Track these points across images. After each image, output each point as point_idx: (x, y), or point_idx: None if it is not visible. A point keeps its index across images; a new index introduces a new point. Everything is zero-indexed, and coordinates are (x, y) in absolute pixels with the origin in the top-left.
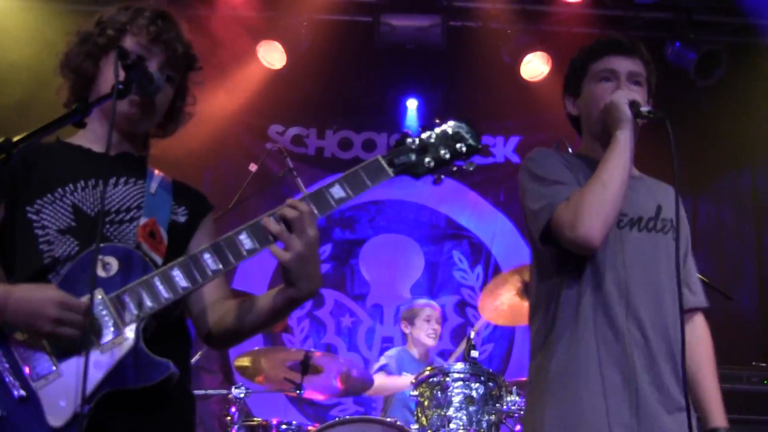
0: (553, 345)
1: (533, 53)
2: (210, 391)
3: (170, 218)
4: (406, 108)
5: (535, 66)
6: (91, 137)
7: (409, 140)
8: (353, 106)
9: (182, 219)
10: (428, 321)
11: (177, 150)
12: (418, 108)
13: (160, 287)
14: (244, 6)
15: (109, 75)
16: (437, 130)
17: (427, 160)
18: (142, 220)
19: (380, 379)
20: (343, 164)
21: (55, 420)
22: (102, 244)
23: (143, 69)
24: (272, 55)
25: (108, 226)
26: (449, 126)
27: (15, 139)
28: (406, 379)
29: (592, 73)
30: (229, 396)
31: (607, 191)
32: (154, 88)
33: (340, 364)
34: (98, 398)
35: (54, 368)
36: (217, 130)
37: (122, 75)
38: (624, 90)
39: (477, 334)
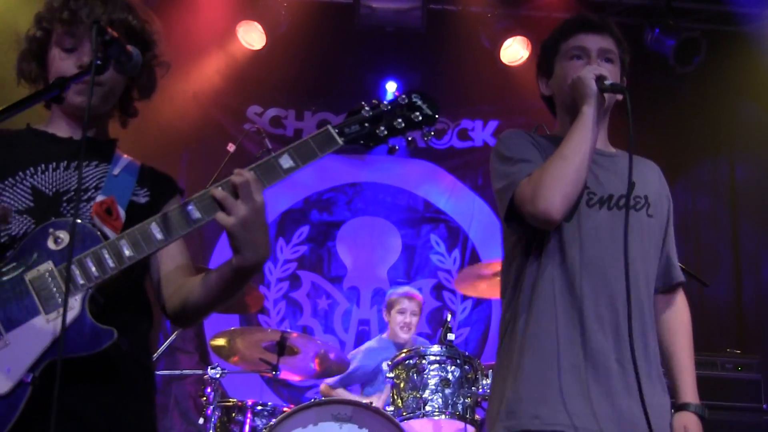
0: (516, 323)
1: (513, 38)
2: (186, 371)
3: (130, 199)
4: (385, 90)
5: (514, 50)
6: (59, 124)
7: (364, 110)
8: (332, 87)
9: (143, 200)
10: (402, 313)
11: (155, 131)
12: (398, 90)
13: (107, 257)
14: None
15: (51, 71)
16: (393, 100)
17: (380, 129)
18: (99, 198)
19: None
20: None
21: (1, 387)
22: (55, 220)
23: (121, 46)
24: (252, 36)
25: (65, 204)
26: (405, 96)
27: None
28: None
29: (563, 52)
30: (205, 377)
31: (568, 164)
32: (132, 65)
33: (316, 345)
34: (43, 366)
35: (2, 337)
36: (195, 111)
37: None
38: (593, 65)
39: (453, 317)
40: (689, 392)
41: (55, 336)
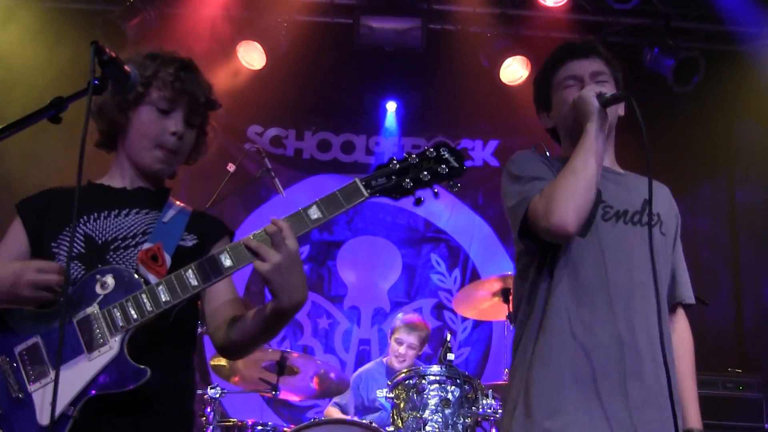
0: (530, 339)
1: (512, 57)
2: None
3: (179, 246)
4: (385, 110)
5: (514, 70)
6: (116, 175)
7: (392, 164)
8: (332, 107)
9: (190, 244)
10: (399, 343)
11: None
12: (397, 110)
13: (145, 301)
14: (224, 6)
15: (137, 125)
16: (420, 152)
17: (406, 181)
18: (146, 245)
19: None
20: (321, 165)
21: (44, 419)
22: (102, 267)
23: (119, 66)
24: (252, 56)
25: (112, 252)
26: (433, 148)
27: None
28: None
29: (557, 83)
30: (205, 396)
31: (578, 178)
32: (130, 85)
33: (316, 365)
34: (84, 402)
35: (49, 374)
36: None
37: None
38: (590, 85)
39: (453, 337)
40: (693, 418)
41: (96, 373)
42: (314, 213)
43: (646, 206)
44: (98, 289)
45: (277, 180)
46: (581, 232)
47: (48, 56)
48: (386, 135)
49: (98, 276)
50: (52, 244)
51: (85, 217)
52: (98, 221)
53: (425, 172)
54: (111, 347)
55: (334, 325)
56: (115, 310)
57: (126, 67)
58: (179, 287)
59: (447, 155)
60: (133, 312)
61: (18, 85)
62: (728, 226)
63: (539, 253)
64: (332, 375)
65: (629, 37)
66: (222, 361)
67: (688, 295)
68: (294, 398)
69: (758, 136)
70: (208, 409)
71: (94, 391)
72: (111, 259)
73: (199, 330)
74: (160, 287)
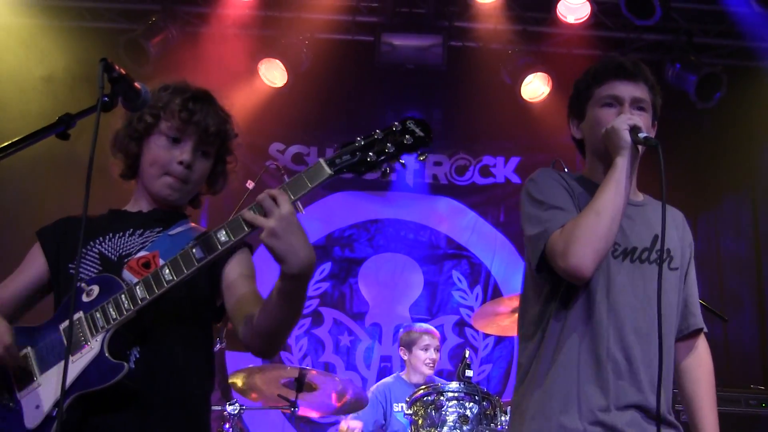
0: (538, 372)
1: (534, 74)
2: None
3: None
4: None
5: (535, 87)
6: (134, 203)
7: (357, 141)
8: (354, 124)
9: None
10: (426, 350)
11: None
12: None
13: (124, 300)
14: (246, 24)
15: (148, 153)
16: (386, 127)
17: (370, 155)
18: (141, 253)
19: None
20: (343, 183)
21: (31, 422)
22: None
23: (129, 83)
24: (273, 73)
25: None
26: (399, 123)
27: None
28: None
29: (596, 98)
30: (224, 413)
31: (601, 221)
32: (141, 102)
33: (335, 382)
34: (69, 401)
35: (35, 379)
36: None
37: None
38: (626, 115)
39: (475, 354)
40: None
41: (78, 374)
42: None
43: (655, 243)
44: (84, 298)
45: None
46: None
47: (72, 75)
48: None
49: (84, 286)
50: (70, 266)
51: (100, 238)
52: (112, 240)
53: (389, 144)
54: (92, 347)
55: (355, 342)
56: (96, 313)
57: (136, 84)
58: (155, 283)
59: (412, 126)
60: (112, 312)
61: (41, 105)
62: (752, 242)
63: (551, 284)
64: (350, 392)
65: (651, 53)
66: (240, 378)
67: (700, 321)
68: (313, 414)
69: None
70: (227, 426)
71: (75, 392)
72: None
73: (218, 347)
74: (138, 285)
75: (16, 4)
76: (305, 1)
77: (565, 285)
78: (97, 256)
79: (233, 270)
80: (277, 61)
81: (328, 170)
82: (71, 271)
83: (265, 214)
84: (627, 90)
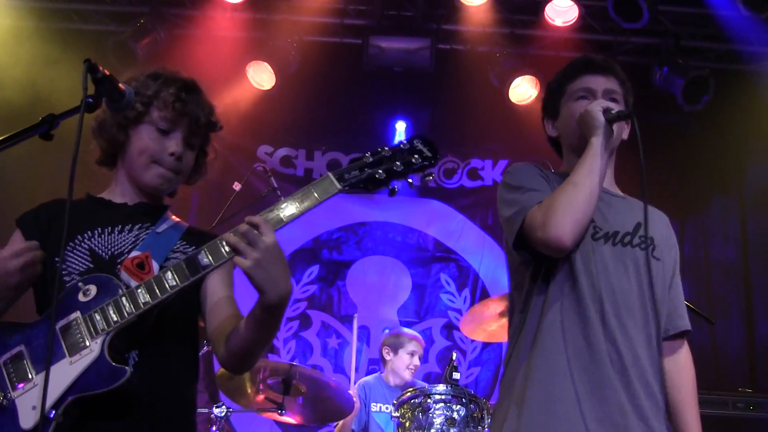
0: (521, 353)
1: (522, 77)
2: None
3: (170, 255)
4: (394, 130)
5: (523, 89)
6: (116, 191)
7: (366, 157)
8: (342, 127)
9: None
10: (412, 355)
11: None
12: (407, 130)
13: (125, 303)
14: (234, 26)
15: (137, 143)
16: (394, 145)
17: (379, 173)
18: (134, 253)
19: None
20: None
21: (26, 423)
22: (86, 276)
23: (113, 84)
24: (261, 76)
25: (118, 266)
26: (407, 141)
27: None
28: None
29: (569, 93)
30: (210, 415)
31: (579, 191)
32: (124, 103)
33: (322, 384)
34: (66, 404)
35: (31, 378)
36: None
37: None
38: (599, 100)
39: (464, 357)
40: None
41: (77, 376)
42: (289, 209)
43: (638, 229)
44: (81, 297)
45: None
46: (573, 249)
47: (59, 77)
48: None
49: (81, 284)
50: (56, 259)
51: (88, 232)
52: (102, 236)
53: (398, 163)
54: (92, 350)
55: (343, 344)
56: (95, 314)
57: (120, 86)
58: (158, 288)
59: (420, 146)
60: (113, 314)
61: (29, 106)
62: (739, 245)
63: (534, 265)
64: (339, 394)
65: (639, 57)
66: (227, 379)
67: (687, 323)
68: (299, 419)
69: None
70: (214, 428)
71: (74, 394)
72: (119, 274)
73: (205, 349)
74: (140, 289)
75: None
76: (293, 3)
77: (546, 266)
78: (87, 251)
79: (216, 289)
80: (266, 63)
81: (337, 185)
82: (58, 264)
83: (249, 242)
84: (599, 82)
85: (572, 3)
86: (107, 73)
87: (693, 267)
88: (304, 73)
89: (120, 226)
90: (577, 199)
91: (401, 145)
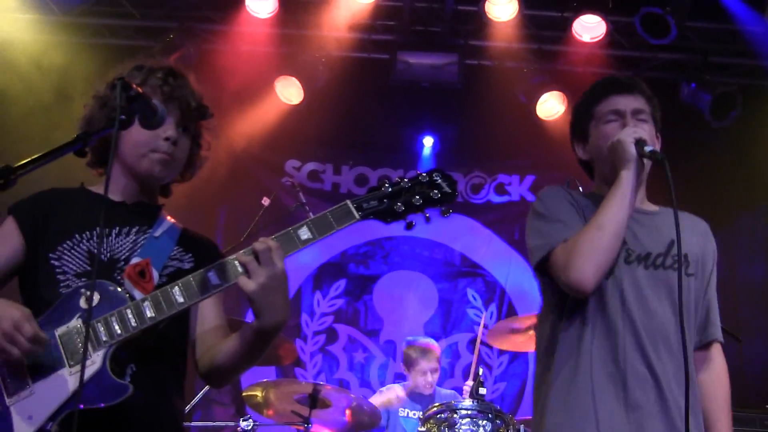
0: (553, 378)
1: (549, 92)
2: (220, 423)
3: (168, 263)
4: (422, 145)
5: (551, 105)
6: (112, 187)
7: (384, 187)
8: (369, 142)
9: (187, 266)
10: (423, 374)
11: (192, 186)
12: (434, 145)
13: (130, 317)
14: (262, 42)
15: (130, 134)
16: (413, 177)
17: (398, 205)
18: (134, 260)
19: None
20: None
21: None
22: (87, 281)
23: (146, 101)
24: (289, 91)
25: (118, 271)
26: (425, 173)
27: (15, 165)
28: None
29: (598, 116)
30: (237, 429)
31: (603, 234)
32: (158, 119)
33: (349, 398)
34: (63, 416)
35: (29, 386)
36: (233, 166)
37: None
38: (630, 128)
39: (489, 372)
40: None
41: (75, 388)
42: (304, 233)
43: (671, 247)
44: (82, 304)
45: (311, 214)
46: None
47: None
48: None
49: (83, 290)
50: (51, 256)
51: (87, 233)
52: (101, 239)
53: (417, 197)
54: (93, 361)
55: (369, 359)
56: (98, 324)
57: (154, 102)
58: (165, 303)
59: (440, 180)
60: (117, 327)
61: (62, 121)
62: (766, 260)
63: (559, 291)
64: (364, 408)
65: (666, 72)
66: (255, 393)
67: (718, 332)
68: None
69: None
70: None
71: (73, 406)
72: (118, 278)
73: None
74: (146, 303)
75: (30, 21)
76: (322, 19)
77: (571, 297)
78: (85, 252)
79: (211, 309)
80: (294, 78)
81: (355, 214)
82: (53, 261)
83: (260, 263)
84: (626, 102)
85: (600, 19)
86: (140, 90)
87: (719, 284)
88: (331, 88)
89: (118, 229)
90: (601, 244)
91: (420, 177)
